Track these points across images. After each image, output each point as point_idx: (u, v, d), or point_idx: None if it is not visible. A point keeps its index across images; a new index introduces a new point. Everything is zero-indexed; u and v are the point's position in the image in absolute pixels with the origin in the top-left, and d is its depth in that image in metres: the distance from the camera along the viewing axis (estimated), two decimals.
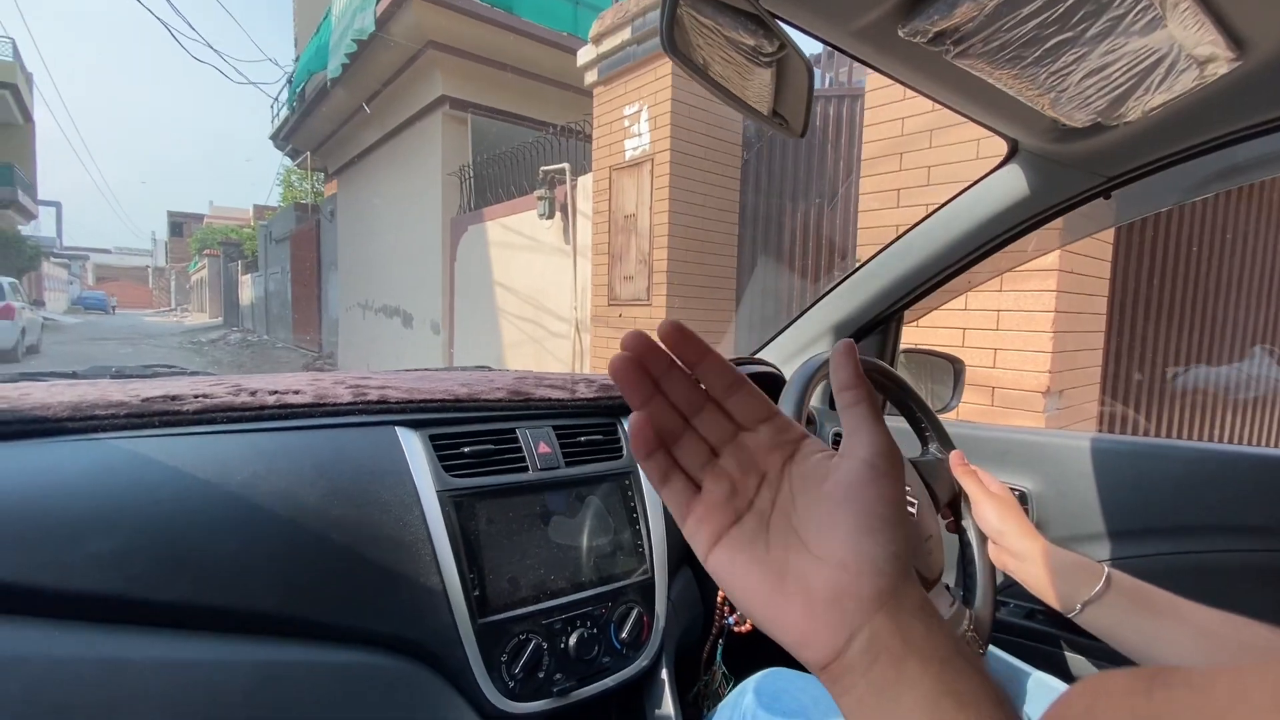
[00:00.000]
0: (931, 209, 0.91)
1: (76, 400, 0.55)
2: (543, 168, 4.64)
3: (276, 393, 0.64)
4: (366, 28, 5.92)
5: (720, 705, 0.68)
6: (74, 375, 0.76)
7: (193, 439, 0.57)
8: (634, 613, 0.71)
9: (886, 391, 0.77)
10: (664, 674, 0.73)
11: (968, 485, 0.69)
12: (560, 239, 4.67)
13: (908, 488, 0.65)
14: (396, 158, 7.49)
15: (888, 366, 0.77)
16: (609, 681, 0.68)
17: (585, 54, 4.02)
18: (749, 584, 0.28)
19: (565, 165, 4.51)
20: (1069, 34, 0.53)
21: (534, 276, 5.04)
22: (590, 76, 4.04)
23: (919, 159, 2.25)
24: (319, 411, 0.64)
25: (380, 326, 8.09)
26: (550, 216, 4.64)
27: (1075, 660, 0.84)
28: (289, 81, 9.22)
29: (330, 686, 0.53)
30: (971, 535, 0.70)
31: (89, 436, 0.53)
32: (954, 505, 0.73)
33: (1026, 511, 0.86)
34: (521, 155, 5.32)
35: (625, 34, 3.66)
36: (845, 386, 0.30)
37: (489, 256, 5.64)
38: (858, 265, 1.01)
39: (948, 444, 0.76)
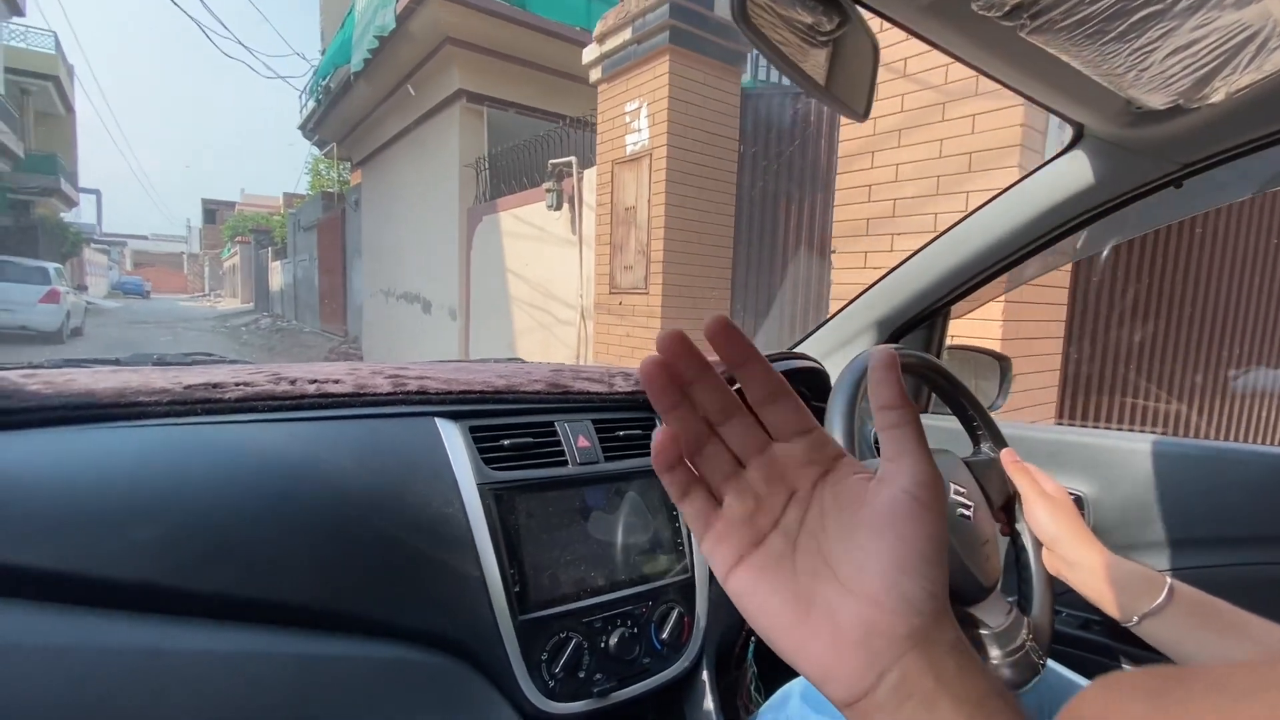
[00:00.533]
0: (988, 198, 0.86)
1: (120, 386, 0.55)
2: (551, 161, 4.73)
3: (316, 381, 0.63)
4: (387, 24, 6.06)
5: (763, 709, 0.67)
6: (117, 362, 0.76)
7: (234, 427, 0.56)
8: (675, 613, 0.69)
9: (938, 388, 0.74)
10: (704, 676, 0.71)
11: (1020, 483, 0.66)
12: (567, 230, 4.75)
13: (963, 490, 0.62)
14: (416, 149, 7.59)
15: (938, 362, 0.74)
16: (650, 683, 0.67)
17: (590, 52, 4.12)
18: (771, 611, 0.26)
19: (572, 158, 4.59)
20: (1157, 6, 0.49)
21: (543, 266, 5.14)
22: (595, 74, 4.13)
23: (889, 157, 2.38)
24: (359, 401, 0.63)
25: (401, 313, 8.20)
26: (558, 208, 4.74)
27: None
28: (315, 74, 9.35)
29: (370, 682, 0.53)
30: (1026, 539, 0.67)
31: (133, 423, 0.53)
32: (1008, 508, 0.70)
33: (1083, 517, 0.82)
34: (534, 147, 5.38)
35: (626, 34, 3.74)
36: (887, 406, 0.27)
37: (502, 246, 5.76)
38: (904, 258, 0.96)
39: (1000, 442, 0.73)
